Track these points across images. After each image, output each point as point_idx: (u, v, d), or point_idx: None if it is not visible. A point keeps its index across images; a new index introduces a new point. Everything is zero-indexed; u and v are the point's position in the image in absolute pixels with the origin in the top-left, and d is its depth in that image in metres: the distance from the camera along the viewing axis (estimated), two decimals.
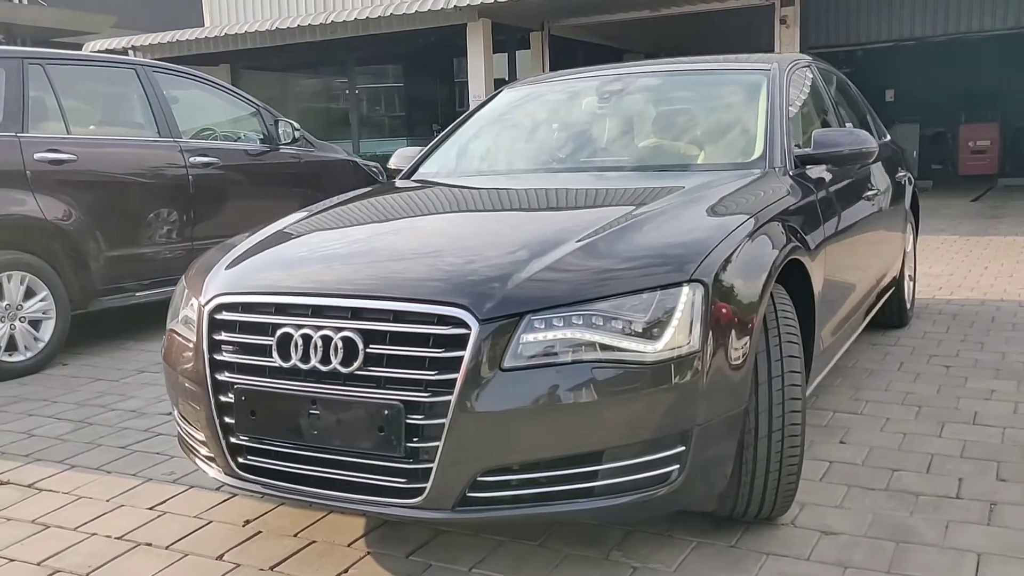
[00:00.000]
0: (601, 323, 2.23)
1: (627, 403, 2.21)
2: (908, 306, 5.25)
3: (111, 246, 5.27)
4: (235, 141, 6.43)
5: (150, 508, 3.06)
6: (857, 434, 3.47)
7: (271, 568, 2.60)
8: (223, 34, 13.83)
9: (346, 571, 2.57)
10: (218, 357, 2.50)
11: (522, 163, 3.73)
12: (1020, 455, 3.20)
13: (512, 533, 2.71)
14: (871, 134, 4.74)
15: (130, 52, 15.53)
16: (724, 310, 2.35)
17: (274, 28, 13.30)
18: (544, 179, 3.49)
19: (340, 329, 2.31)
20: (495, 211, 3.08)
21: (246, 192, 6.12)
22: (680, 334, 2.25)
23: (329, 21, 12.80)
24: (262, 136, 6.47)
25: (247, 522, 2.91)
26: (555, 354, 2.20)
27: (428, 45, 14.43)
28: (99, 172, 5.25)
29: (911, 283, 5.39)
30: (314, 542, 2.75)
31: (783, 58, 3.86)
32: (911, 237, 5.36)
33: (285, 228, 2.99)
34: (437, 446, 2.19)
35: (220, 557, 2.69)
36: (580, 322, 2.23)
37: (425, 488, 2.22)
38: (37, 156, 4.96)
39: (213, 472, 2.59)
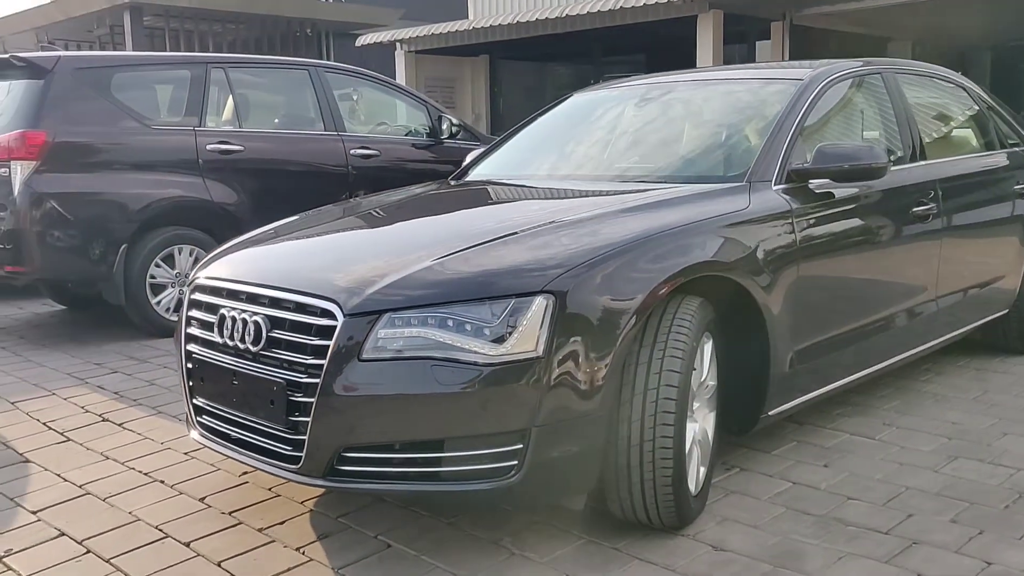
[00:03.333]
0: (452, 325, 2.46)
1: (466, 399, 2.42)
2: None
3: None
4: (405, 135, 7.02)
5: (185, 453, 3.63)
6: (849, 459, 3.36)
7: (229, 512, 3.06)
8: (472, 27, 14.68)
9: (282, 523, 2.97)
10: (189, 331, 2.99)
11: (537, 170, 3.93)
12: (1001, 500, 2.98)
13: (432, 510, 2.98)
14: (990, 145, 4.43)
15: (397, 45, 16.89)
16: (582, 321, 2.48)
17: (516, 22, 13.93)
18: (531, 186, 3.71)
19: (255, 314, 2.70)
20: (434, 216, 3.36)
21: (403, 181, 6.66)
22: (526, 341, 2.42)
23: (565, 15, 13.20)
24: (428, 130, 7.01)
25: (243, 473, 3.39)
26: (407, 349, 2.46)
27: (669, 35, 14.42)
28: (263, 161, 6.01)
29: None
30: (278, 496, 3.18)
31: (832, 66, 3.74)
32: None
33: (282, 223, 3.44)
34: (308, 421, 2.53)
35: (202, 499, 3.19)
36: (434, 323, 2.46)
37: (301, 457, 2.57)
38: (209, 147, 5.79)
39: (192, 432, 3.08)
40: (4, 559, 2.80)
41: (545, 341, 2.43)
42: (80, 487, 3.34)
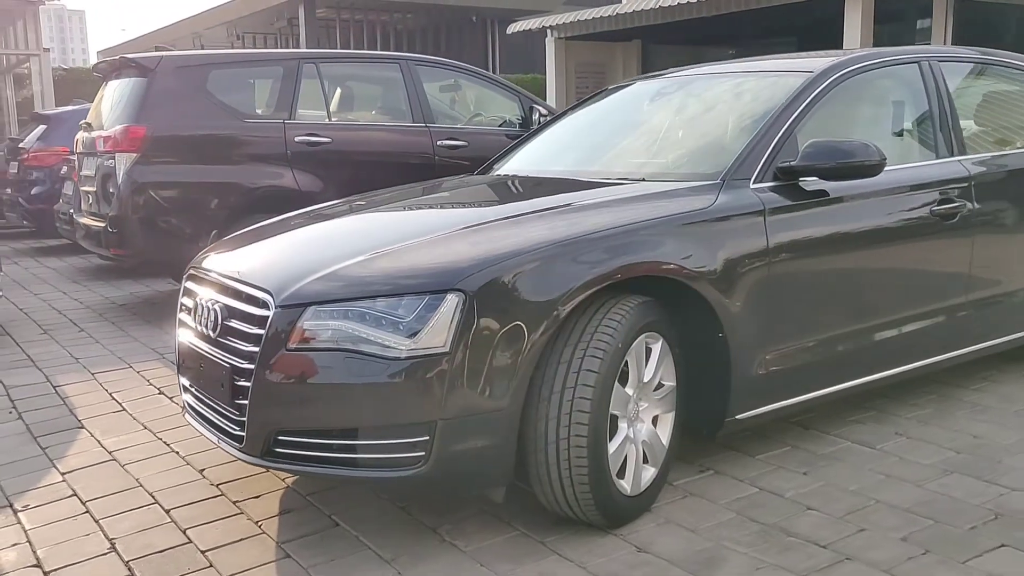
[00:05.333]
0: (370, 319, 2.57)
1: (377, 390, 2.53)
2: None
3: None
4: (500, 126, 7.14)
5: None
6: (835, 468, 3.23)
7: (217, 484, 3.31)
8: (615, 13, 14.59)
9: (257, 497, 3.19)
10: (179, 316, 3.24)
11: (542, 166, 3.95)
12: (971, 520, 2.80)
13: (392, 497, 3.10)
14: None
15: (547, 31, 17.00)
16: (494, 319, 2.53)
17: (659, 6, 13.74)
18: (515, 182, 3.77)
19: (217, 302, 2.92)
20: (408, 211, 3.49)
21: None
22: (435, 336, 2.50)
23: None
24: (520, 120, 7.11)
25: None
26: (328, 341, 2.59)
27: (819, 16, 13.83)
28: (349, 152, 6.27)
29: None
30: (268, 472, 3.39)
31: (854, 56, 3.57)
32: None
33: (277, 219, 3.64)
34: (246, 404, 2.72)
35: (201, 471, 3.45)
36: (353, 316, 2.59)
37: (244, 436, 2.76)
38: (297, 139, 6.11)
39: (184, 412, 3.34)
40: (19, 512, 3.16)
41: (453, 338, 2.50)
42: (110, 453, 3.68)
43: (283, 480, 3.31)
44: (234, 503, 3.15)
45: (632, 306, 2.73)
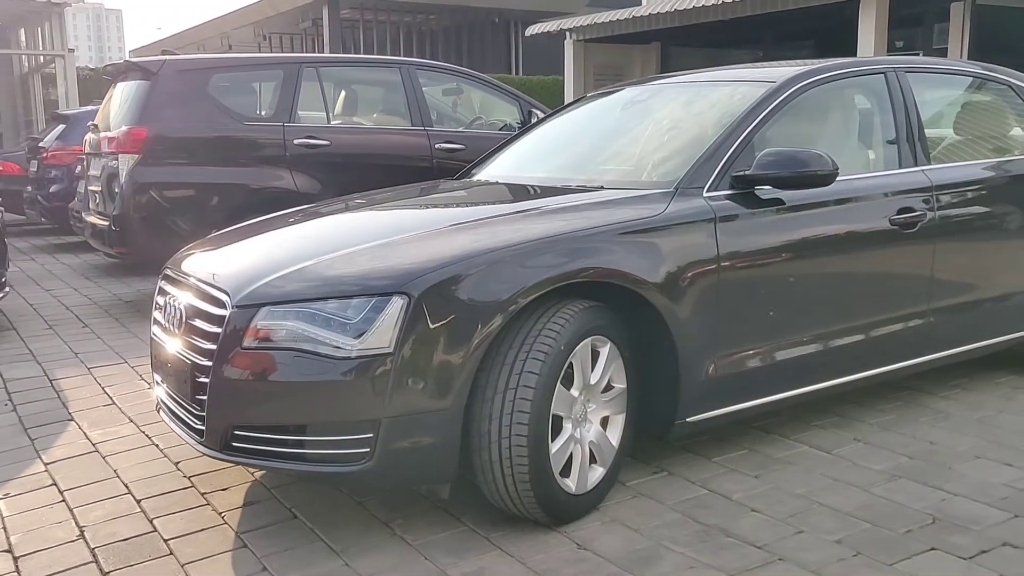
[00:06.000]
0: (319, 320, 2.68)
1: (324, 388, 2.65)
2: None
3: None
4: (500, 129, 7.25)
5: None
6: (787, 472, 3.30)
7: (189, 476, 3.43)
8: (632, 16, 14.64)
9: (225, 489, 3.31)
10: (154, 314, 3.37)
11: (512, 172, 4.05)
12: (908, 524, 2.86)
13: (351, 493, 3.21)
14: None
15: (566, 34, 17.08)
16: (438, 321, 2.63)
17: (674, 9, 13.78)
18: (486, 189, 3.88)
19: (183, 301, 3.04)
20: (372, 215, 3.63)
21: None
22: (380, 337, 2.61)
23: (721, 2, 12.93)
24: (520, 123, 7.20)
25: None
26: (280, 341, 2.71)
27: (836, 20, 13.81)
28: (348, 155, 6.40)
29: None
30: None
31: (816, 67, 3.64)
32: None
33: (251, 222, 3.76)
34: (205, 400, 2.84)
35: (176, 463, 3.58)
36: (304, 317, 2.70)
37: (204, 431, 2.88)
38: (296, 141, 6.24)
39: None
40: (0, 500, 3.30)
41: (398, 339, 2.60)
42: (93, 445, 3.82)
43: (251, 474, 3.43)
44: (202, 495, 3.27)
45: (576, 310, 2.82)
